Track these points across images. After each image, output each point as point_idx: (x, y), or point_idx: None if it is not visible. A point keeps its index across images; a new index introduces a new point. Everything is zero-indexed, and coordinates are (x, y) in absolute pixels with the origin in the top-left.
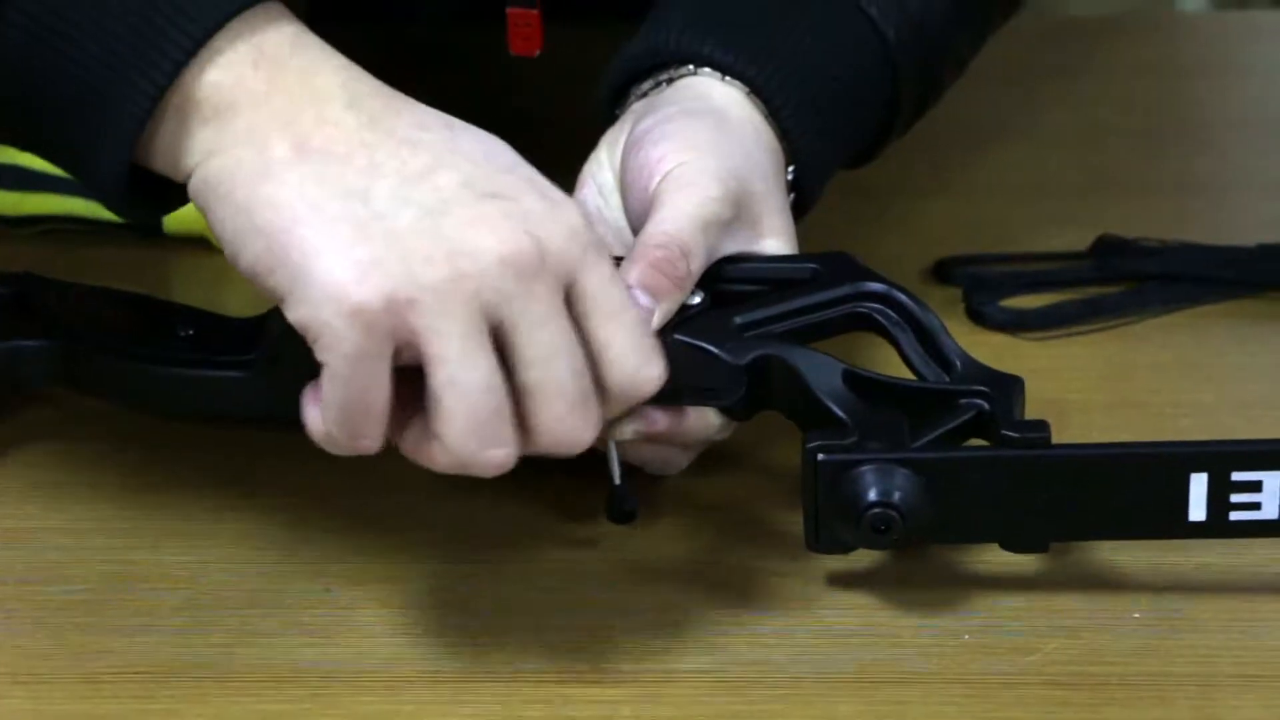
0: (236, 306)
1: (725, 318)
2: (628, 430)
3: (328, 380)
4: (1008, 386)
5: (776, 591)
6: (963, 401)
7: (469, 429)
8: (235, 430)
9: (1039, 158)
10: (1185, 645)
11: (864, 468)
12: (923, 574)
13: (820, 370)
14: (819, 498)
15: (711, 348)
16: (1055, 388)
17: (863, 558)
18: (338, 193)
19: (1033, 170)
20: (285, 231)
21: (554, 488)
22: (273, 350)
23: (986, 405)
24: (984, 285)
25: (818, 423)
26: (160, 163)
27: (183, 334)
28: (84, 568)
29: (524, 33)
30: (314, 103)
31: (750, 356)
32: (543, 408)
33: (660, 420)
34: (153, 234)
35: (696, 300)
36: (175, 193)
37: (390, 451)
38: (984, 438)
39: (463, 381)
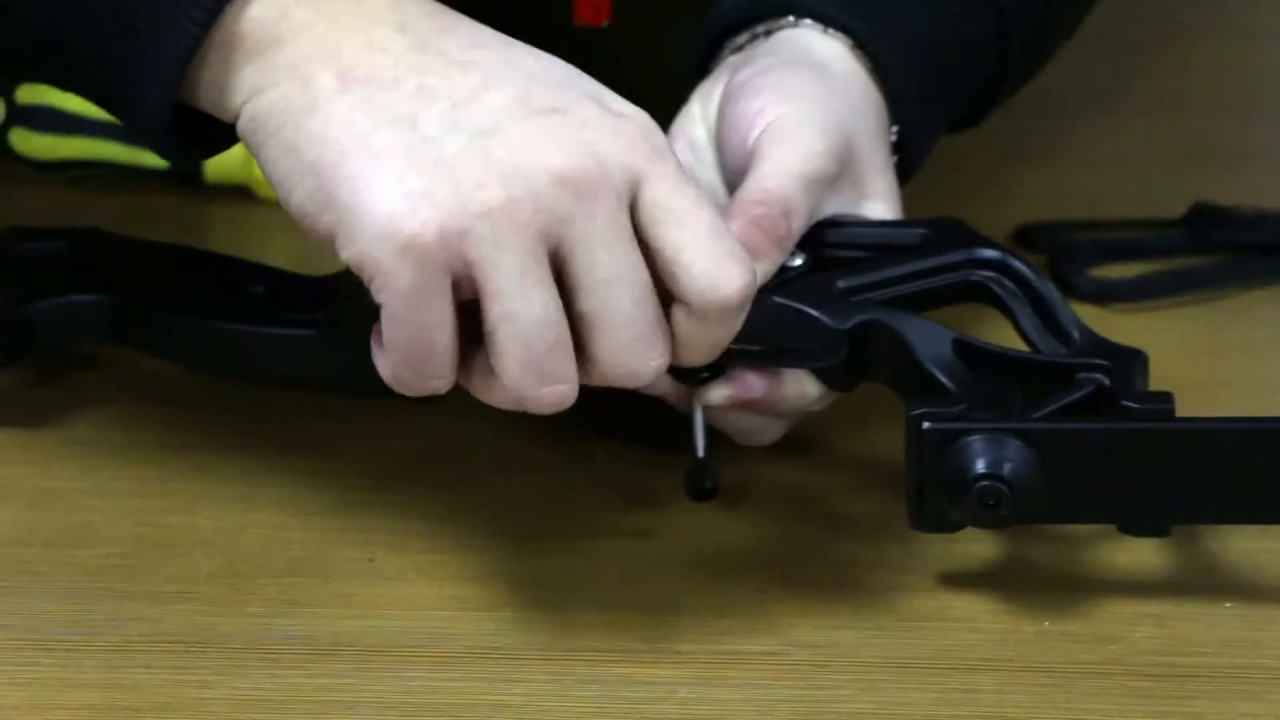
0: (278, 260)
1: (827, 281)
2: (719, 395)
3: (387, 321)
4: (1129, 361)
5: (846, 573)
6: (1081, 376)
7: (525, 365)
8: (276, 392)
9: (1128, 125)
10: None
11: (972, 437)
12: (1002, 557)
13: (928, 337)
14: (923, 469)
15: (812, 310)
16: None
17: (941, 541)
18: (385, 121)
19: (1121, 138)
20: (334, 167)
21: (618, 463)
22: (337, 310)
23: (1106, 380)
24: (1071, 253)
25: (923, 392)
26: (206, 102)
27: (253, 290)
28: (117, 531)
29: (593, 1)
30: (361, 28)
31: (853, 321)
32: (603, 338)
33: (756, 385)
34: (192, 182)
35: (797, 263)
36: (224, 134)
37: (438, 415)
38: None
39: (518, 316)
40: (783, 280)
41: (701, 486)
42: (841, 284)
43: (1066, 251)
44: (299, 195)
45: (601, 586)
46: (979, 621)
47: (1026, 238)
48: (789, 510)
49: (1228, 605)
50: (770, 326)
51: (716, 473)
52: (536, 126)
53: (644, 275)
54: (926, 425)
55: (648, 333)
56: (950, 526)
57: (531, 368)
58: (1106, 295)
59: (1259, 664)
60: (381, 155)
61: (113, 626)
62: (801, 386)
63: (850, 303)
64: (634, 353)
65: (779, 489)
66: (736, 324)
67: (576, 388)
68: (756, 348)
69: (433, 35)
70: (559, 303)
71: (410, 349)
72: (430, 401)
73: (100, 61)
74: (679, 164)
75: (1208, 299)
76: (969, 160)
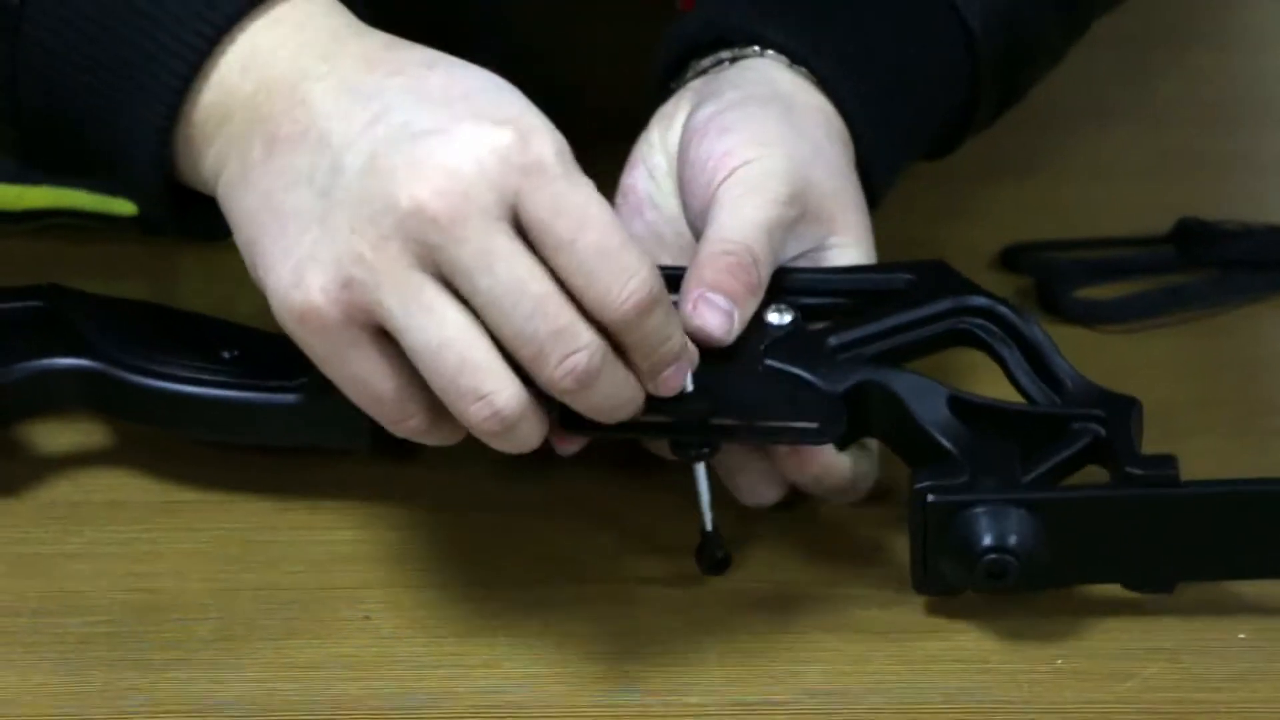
0: (248, 310)
1: (819, 340)
2: (770, 494)
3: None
4: (1124, 409)
5: (851, 616)
6: (1076, 426)
7: (445, 389)
8: (261, 448)
9: (1110, 136)
10: None
11: (977, 509)
12: (1011, 596)
13: (924, 397)
14: (928, 540)
15: (806, 374)
16: (1135, 385)
17: None
18: (290, 182)
19: (1104, 150)
20: (253, 244)
21: (618, 507)
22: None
23: (1102, 430)
24: (1056, 274)
25: (922, 454)
26: (202, 188)
27: (227, 355)
28: (105, 596)
29: None
30: (289, 87)
31: (847, 384)
32: (516, 351)
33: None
34: (160, 230)
35: (787, 320)
36: None
37: (429, 469)
38: (1100, 464)
39: (419, 346)
40: (773, 340)
41: (715, 559)
42: (833, 340)
43: (1052, 273)
44: (252, 274)
45: (605, 638)
46: (990, 662)
47: (1011, 260)
48: (789, 552)
49: (1241, 636)
50: (764, 394)
51: (724, 544)
52: (407, 155)
53: (534, 286)
54: (932, 499)
55: (551, 339)
56: (954, 591)
57: (451, 390)
58: (1095, 317)
59: (1277, 697)
60: (283, 223)
61: (107, 698)
62: (841, 462)
63: (841, 361)
64: (549, 354)
65: (778, 531)
66: (658, 322)
67: (508, 402)
68: (751, 423)
69: (354, 74)
70: (461, 321)
71: (359, 398)
72: (416, 449)
73: (94, 162)
74: (564, 173)
75: (1197, 317)
76: (948, 176)
